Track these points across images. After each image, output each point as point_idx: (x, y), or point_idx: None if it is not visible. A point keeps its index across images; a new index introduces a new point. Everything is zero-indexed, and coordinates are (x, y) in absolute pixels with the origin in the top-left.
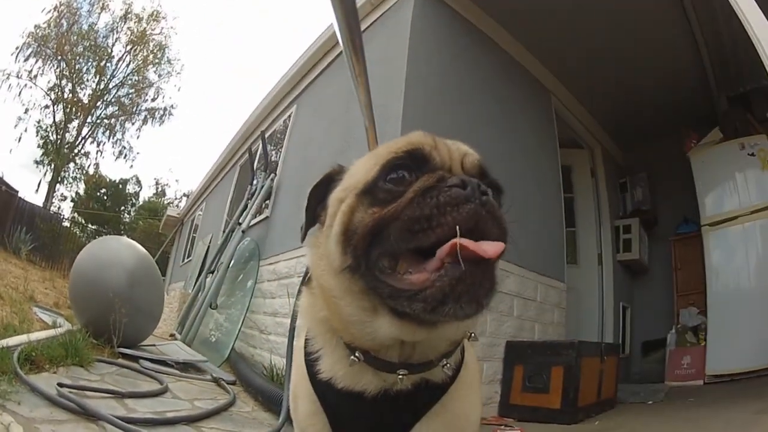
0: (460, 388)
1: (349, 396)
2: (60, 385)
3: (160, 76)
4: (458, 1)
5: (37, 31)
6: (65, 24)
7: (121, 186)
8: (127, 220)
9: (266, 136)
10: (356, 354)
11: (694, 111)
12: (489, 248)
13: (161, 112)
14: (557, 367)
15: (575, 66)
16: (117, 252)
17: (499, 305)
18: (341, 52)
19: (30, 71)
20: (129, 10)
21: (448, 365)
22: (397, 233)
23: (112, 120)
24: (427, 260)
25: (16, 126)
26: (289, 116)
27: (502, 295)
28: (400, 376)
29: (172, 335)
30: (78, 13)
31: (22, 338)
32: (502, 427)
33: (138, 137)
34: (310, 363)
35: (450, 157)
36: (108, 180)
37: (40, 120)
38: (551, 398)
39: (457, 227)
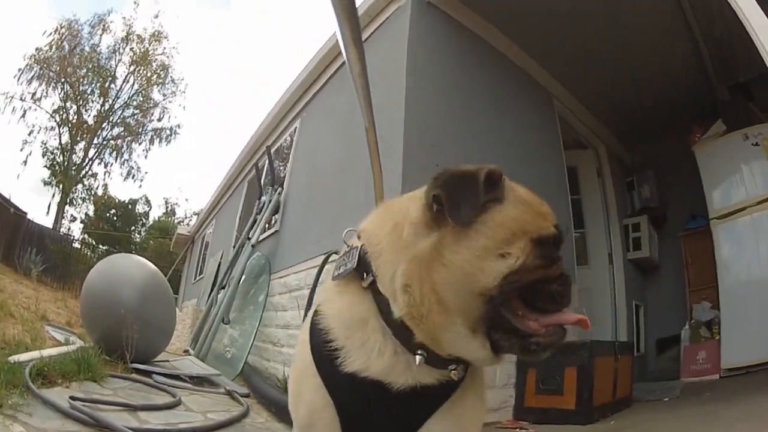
0: (469, 386)
1: (373, 389)
2: (72, 398)
3: (165, 96)
4: (455, 8)
5: (39, 53)
6: (67, 46)
7: (130, 206)
8: (138, 239)
9: (272, 150)
10: (420, 352)
11: (696, 104)
12: (587, 321)
13: (167, 131)
14: (570, 367)
15: (575, 67)
16: (127, 269)
17: None
18: (343, 63)
19: (33, 94)
20: (130, 31)
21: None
22: (545, 294)
23: (119, 141)
24: (537, 312)
25: (21, 149)
26: (294, 130)
27: None
28: (453, 371)
29: (185, 351)
30: (79, 35)
31: (34, 354)
32: (517, 430)
33: (146, 157)
34: (329, 356)
35: None
36: (117, 200)
37: (45, 142)
38: (565, 399)
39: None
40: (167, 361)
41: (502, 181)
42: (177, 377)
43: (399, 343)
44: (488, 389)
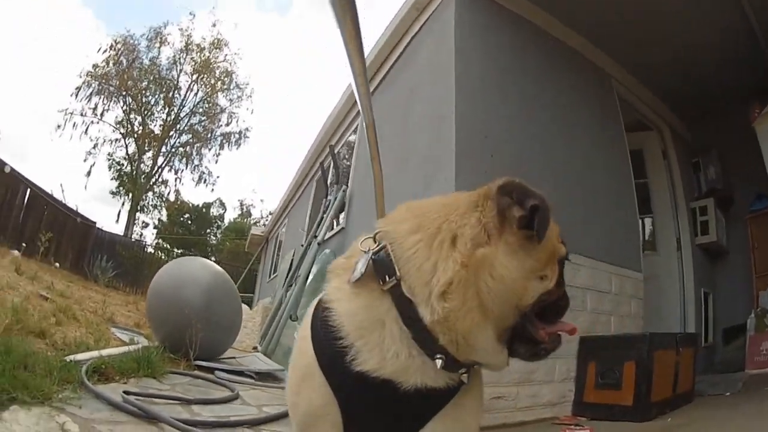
0: (470, 386)
1: (380, 389)
2: (126, 392)
3: (231, 101)
4: None
5: (96, 70)
6: (125, 61)
7: (204, 210)
8: (214, 242)
9: (336, 149)
10: (439, 356)
11: (757, 81)
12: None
13: (236, 135)
14: (629, 362)
15: (632, 46)
16: (192, 270)
17: (571, 300)
18: (397, 59)
19: (94, 108)
20: (189, 41)
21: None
22: (557, 309)
23: (188, 147)
24: (543, 322)
25: (85, 160)
26: (356, 128)
27: (573, 289)
28: (463, 374)
29: (255, 348)
30: (136, 49)
31: (93, 354)
32: (572, 426)
33: (216, 162)
34: (336, 354)
35: None
36: (191, 205)
37: (111, 153)
38: (623, 395)
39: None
40: (233, 358)
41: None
42: (240, 373)
43: (416, 346)
44: (546, 383)
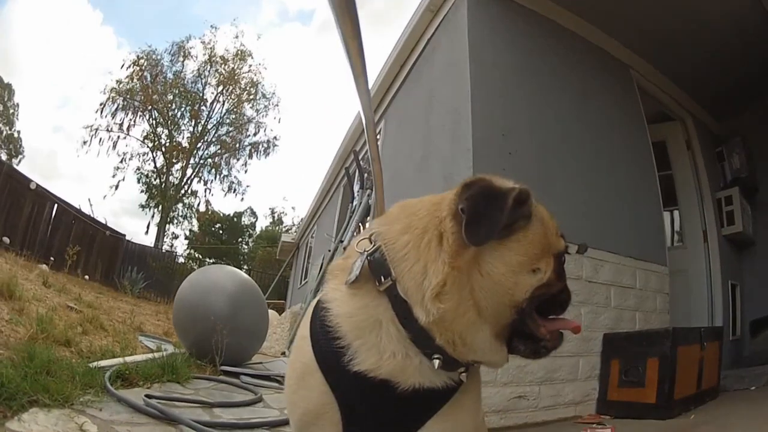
0: (468, 385)
1: (376, 389)
2: (148, 396)
3: (257, 111)
4: None
5: (120, 86)
6: (148, 76)
7: (235, 219)
8: (246, 250)
9: (360, 154)
10: (436, 356)
11: None
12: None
13: (265, 144)
14: (652, 358)
15: (650, 36)
16: (217, 278)
17: (593, 297)
18: (415, 62)
19: (120, 124)
20: (212, 54)
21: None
22: (558, 304)
23: (216, 158)
24: (544, 318)
25: (114, 176)
26: (379, 131)
27: (596, 285)
28: (462, 374)
29: (283, 353)
30: (159, 64)
31: (117, 360)
32: (594, 425)
33: (246, 171)
34: (334, 354)
35: None
36: (222, 214)
37: (139, 167)
38: (647, 392)
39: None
40: (260, 363)
41: (530, 199)
42: (266, 377)
43: (413, 346)
44: (570, 382)
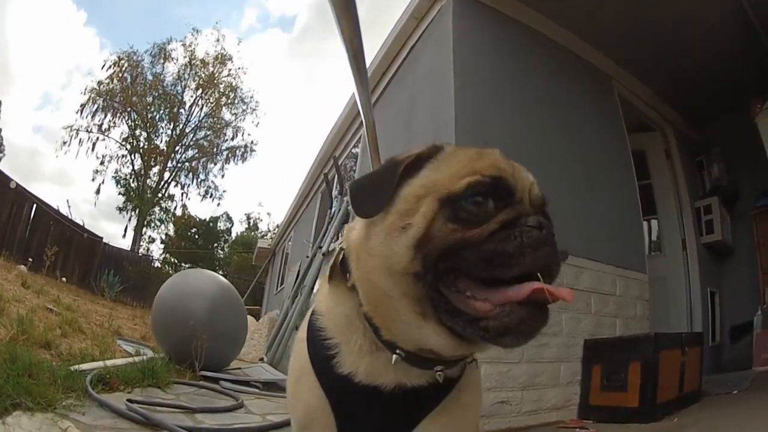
0: (466, 384)
1: (364, 390)
2: (130, 401)
3: (236, 115)
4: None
5: (101, 86)
6: (128, 77)
7: (211, 224)
8: (221, 255)
9: (340, 160)
10: (397, 352)
11: (757, 76)
12: (567, 294)
13: (242, 149)
14: (635, 363)
15: (631, 47)
16: (197, 282)
17: (574, 303)
18: (397, 69)
19: (100, 125)
20: (192, 57)
21: (476, 362)
22: (474, 260)
23: (194, 162)
24: (490, 288)
25: (93, 179)
26: (360, 139)
27: (577, 292)
28: (438, 373)
29: (261, 359)
30: (140, 65)
31: (98, 364)
32: (577, 429)
33: (222, 176)
34: (324, 356)
35: (523, 189)
36: (198, 219)
37: (117, 170)
38: (629, 397)
39: (539, 272)
40: (239, 368)
41: (437, 154)
42: (245, 383)
43: (378, 341)
44: (552, 387)
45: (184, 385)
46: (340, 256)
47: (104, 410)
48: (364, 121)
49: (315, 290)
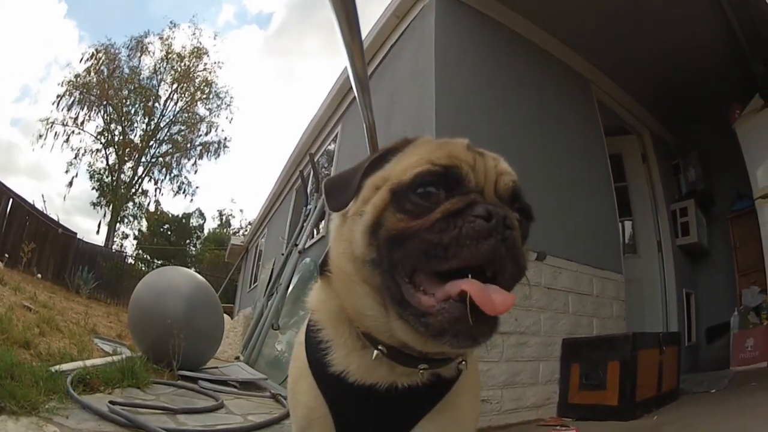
0: (463, 385)
1: (358, 390)
2: (112, 402)
3: (210, 110)
4: (481, 1)
5: (78, 79)
6: (105, 70)
7: (184, 220)
8: (194, 252)
9: (317, 157)
10: (379, 347)
11: (735, 81)
12: (498, 301)
13: (216, 145)
14: (613, 362)
15: (610, 51)
16: (174, 280)
17: (552, 303)
18: (378, 64)
19: (75, 118)
20: (169, 51)
21: (464, 362)
22: (414, 252)
23: (167, 158)
24: (442, 281)
25: (67, 171)
26: (336, 136)
27: (555, 292)
28: (421, 371)
29: (237, 358)
30: (117, 58)
31: (77, 364)
32: (558, 427)
33: (195, 172)
34: (319, 356)
35: (485, 178)
36: (170, 215)
37: (92, 164)
38: (608, 395)
39: (469, 274)
40: (216, 367)
41: (405, 147)
42: (223, 383)
43: (363, 337)
44: (531, 386)
45: (163, 385)
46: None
47: (87, 413)
48: (365, 123)
49: (290, 288)
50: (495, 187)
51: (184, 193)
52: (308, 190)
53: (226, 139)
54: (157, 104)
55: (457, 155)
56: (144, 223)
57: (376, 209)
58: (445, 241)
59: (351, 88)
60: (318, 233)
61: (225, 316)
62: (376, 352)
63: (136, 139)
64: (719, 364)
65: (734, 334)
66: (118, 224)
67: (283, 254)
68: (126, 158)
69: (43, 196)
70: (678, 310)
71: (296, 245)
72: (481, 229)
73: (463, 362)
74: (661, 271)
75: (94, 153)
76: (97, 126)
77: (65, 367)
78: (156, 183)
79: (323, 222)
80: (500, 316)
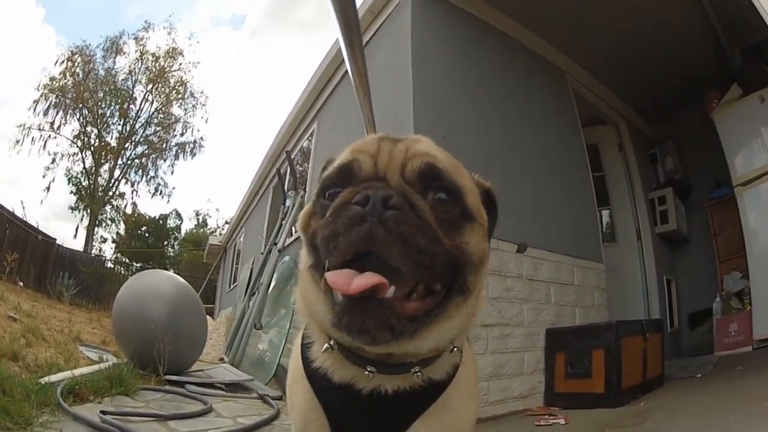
0: (458, 387)
1: (345, 392)
2: (103, 412)
3: (186, 111)
4: None
5: (53, 82)
6: (81, 72)
7: (161, 221)
8: (172, 254)
9: (293, 154)
10: (331, 342)
11: (711, 71)
12: (357, 283)
13: (191, 145)
14: (598, 350)
15: (585, 41)
16: (155, 284)
17: (534, 294)
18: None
19: (52, 123)
20: (144, 51)
21: (419, 374)
22: (321, 250)
23: (143, 159)
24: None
25: (44, 176)
26: (312, 133)
27: (537, 283)
28: (367, 373)
29: (221, 359)
30: (92, 60)
31: (66, 374)
32: (546, 416)
33: (172, 173)
34: (305, 353)
35: (388, 164)
36: (148, 217)
37: (69, 168)
38: (594, 383)
39: (327, 262)
40: (201, 370)
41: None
42: (210, 385)
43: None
44: (516, 376)
45: (151, 391)
46: None
47: (79, 424)
48: (365, 123)
49: (271, 287)
50: (402, 172)
51: (160, 194)
52: (285, 188)
53: (201, 138)
54: (132, 106)
55: (361, 149)
56: (122, 226)
57: (303, 217)
58: (328, 234)
59: (326, 85)
60: (296, 231)
61: (207, 317)
62: (326, 345)
63: (112, 142)
64: (702, 349)
65: (717, 319)
66: (96, 228)
67: (262, 253)
68: (102, 161)
69: (22, 202)
70: (659, 297)
71: (275, 244)
72: (353, 215)
73: (419, 373)
74: (641, 259)
75: (71, 157)
76: (73, 129)
77: (54, 378)
78: (133, 185)
79: None
80: (403, 311)
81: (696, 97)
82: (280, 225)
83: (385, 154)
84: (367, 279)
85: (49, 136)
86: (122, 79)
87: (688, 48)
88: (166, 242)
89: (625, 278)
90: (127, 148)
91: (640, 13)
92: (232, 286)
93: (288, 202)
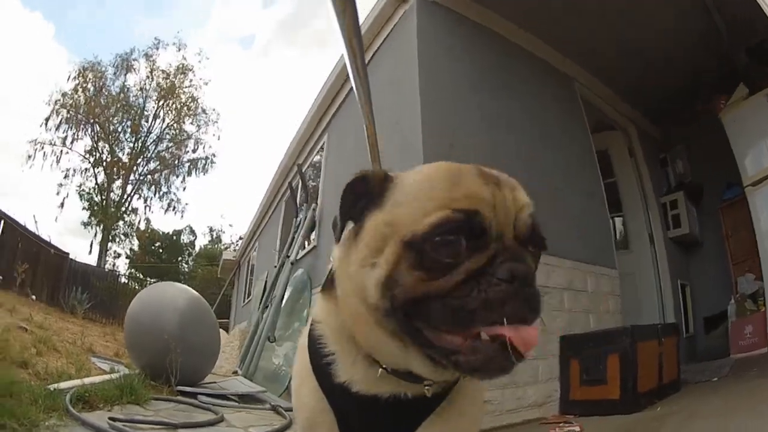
0: (463, 388)
1: (363, 399)
2: (112, 419)
3: (198, 127)
4: (462, 4)
5: (65, 98)
6: (92, 88)
7: (175, 237)
8: (186, 269)
9: (304, 168)
10: (384, 366)
11: (717, 72)
12: (530, 339)
13: (203, 161)
14: (613, 355)
15: (592, 48)
16: (168, 296)
17: (548, 301)
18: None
19: (64, 138)
20: (154, 68)
21: (429, 387)
22: (438, 314)
23: (156, 175)
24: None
25: (57, 193)
26: (323, 146)
27: (549, 290)
28: (427, 387)
29: (235, 372)
30: (104, 76)
31: (76, 382)
32: (561, 424)
33: (184, 189)
34: (323, 365)
35: (505, 218)
36: (161, 233)
37: (81, 184)
38: (610, 389)
39: (504, 319)
40: (214, 382)
41: (386, 182)
42: (222, 396)
43: (368, 357)
44: (531, 385)
45: (162, 401)
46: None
47: (87, 429)
48: (365, 123)
49: (284, 300)
50: (514, 227)
51: (174, 210)
52: (297, 201)
53: (213, 155)
54: (144, 122)
55: (477, 193)
56: (135, 241)
57: (389, 264)
58: (470, 307)
59: (334, 98)
60: (309, 244)
61: (221, 331)
62: (381, 370)
63: (124, 158)
64: (718, 353)
65: (732, 322)
66: (109, 243)
67: (275, 266)
68: (115, 177)
69: (34, 216)
70: (674, 302)
71: (288, 257)
72: (506, 294)
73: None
74: (654, 264)
75: (84, 172)
76: (85, 145)
77: (63, 385)
78: (145, 201)
79: (314, 233)
80: None
81: (704, 98)
82: (293, 238)
83: (501, 205)
84: (534, 331)
85: (61, 151)
86: (134, 96)
87: (693, 50)
88: (180, 258)
89: (639, 284)
90: (139, 163)
91: (644, 17)
92: (246, 301)
93: (300, 216)
